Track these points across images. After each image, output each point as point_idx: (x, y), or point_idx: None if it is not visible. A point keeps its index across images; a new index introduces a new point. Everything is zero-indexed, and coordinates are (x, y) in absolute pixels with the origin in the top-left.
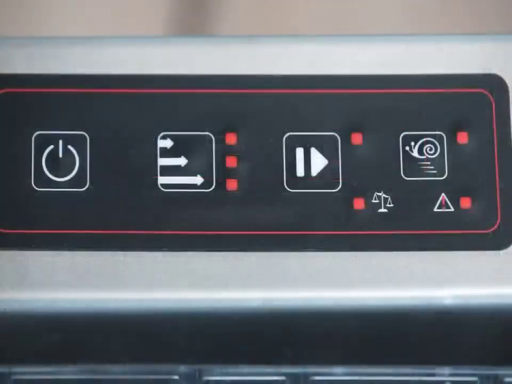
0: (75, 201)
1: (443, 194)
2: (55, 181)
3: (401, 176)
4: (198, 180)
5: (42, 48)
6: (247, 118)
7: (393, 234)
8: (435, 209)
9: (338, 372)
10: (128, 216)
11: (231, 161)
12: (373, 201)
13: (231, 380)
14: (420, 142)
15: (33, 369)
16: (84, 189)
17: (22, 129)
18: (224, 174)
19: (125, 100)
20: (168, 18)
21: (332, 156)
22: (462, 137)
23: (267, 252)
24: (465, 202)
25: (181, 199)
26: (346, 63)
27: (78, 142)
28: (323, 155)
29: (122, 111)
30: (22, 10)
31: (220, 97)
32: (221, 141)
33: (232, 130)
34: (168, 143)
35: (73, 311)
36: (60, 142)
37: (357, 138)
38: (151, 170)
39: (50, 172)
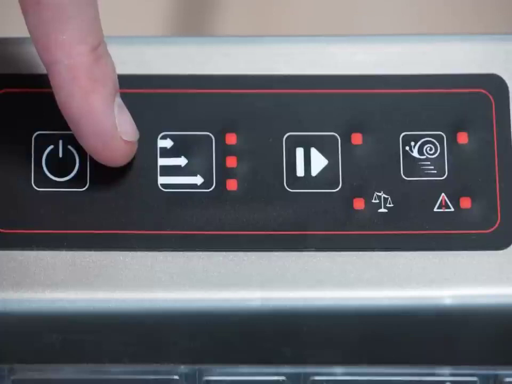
0: (75, 201)
1: (443, 194)
2: (55, 181)
3: (401, 176)
4: (198, 179)
5: None
6: (247, 118)
7: (393, 234)
8: (435, 209)
9: (338, 371)
10: (128, 216)
11: (231, 161)
12: (373, 201)
13: (231, 380)
14: (420, 142)
15: (33, 369)
16: (84, 189)
17: (22, 129)
18: (224, 174)
19: (125, 99)
20: (168, 18)
21: (331, 156)
22: (462, 137)
23: (267, 251)
24: (465, 202)
25: (181, 199)
26: (346, 63)
27: (78, 142)
28: (323, 155)
29: None
30: None
31: (220, 97)
32: (221, 141)
33: (232, 130)
34: (168, 143)
35: (73, 311)
36: (60, 142)
37: (357, 138)
38: (151, 170)
39: (50, 172)
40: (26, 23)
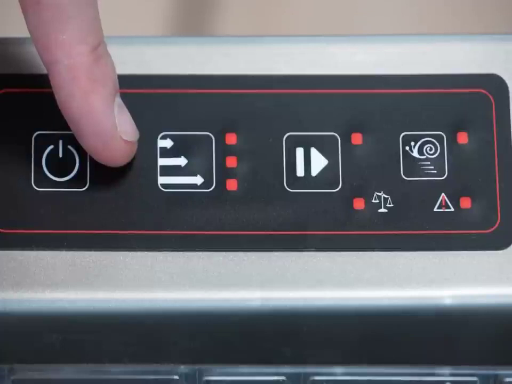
0: (75, 201)
1: (443, 194)
2: (55, 181)
3: (401, 176)
4: (198, 179)
5: None
6: (247, 118)
7: (393, 234)
8: (435, 209)
9: (338, 371)
10: (128, 216)
11: (231, 161)
12: (373, 201)
13: (231, 380)
14: (420, 142)
15: (33, 369)
16: (84, 189)
17: (22, 129)
18: (224, 174)
19: (125, 99)
20: (168, 18)
21: (331, 156)
22: (462, 137)
23: (267, 251)
24: (465, 202)
25: (181, 199)
26: (346, 63)
27: (78, 142)
28: (323, 155)
29: None
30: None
31: (220, 97)
32: (221, 141)
33: (232, 130)
34: (168, 143)
35: (73, 311)
36: (60, 142)
37: (357, 138)
38: (151, 170)
39: (50, 172)
40: (26, 23)
